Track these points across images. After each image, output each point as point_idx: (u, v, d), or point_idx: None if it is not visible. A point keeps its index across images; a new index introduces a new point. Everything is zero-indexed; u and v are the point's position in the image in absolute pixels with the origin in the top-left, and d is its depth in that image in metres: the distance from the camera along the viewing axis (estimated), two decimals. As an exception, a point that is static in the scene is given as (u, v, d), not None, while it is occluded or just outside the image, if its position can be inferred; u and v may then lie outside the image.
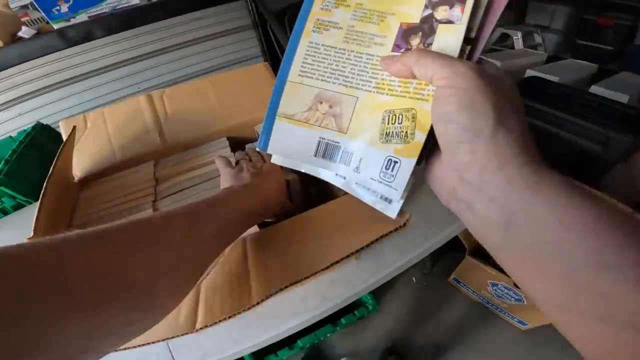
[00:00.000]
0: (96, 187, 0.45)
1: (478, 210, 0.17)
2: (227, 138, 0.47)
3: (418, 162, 0.21)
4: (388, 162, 0.21)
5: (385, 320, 0.91)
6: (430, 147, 0.21)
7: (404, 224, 0.26)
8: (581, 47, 1.84)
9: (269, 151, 0.24)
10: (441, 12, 0.20)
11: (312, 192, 0.44)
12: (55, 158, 0.37)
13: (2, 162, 0.78)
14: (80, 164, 0.45)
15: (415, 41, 0.21)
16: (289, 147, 0.24)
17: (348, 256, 0.24)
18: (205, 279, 0.27)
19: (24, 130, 0.98)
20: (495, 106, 0.16)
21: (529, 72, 1.37)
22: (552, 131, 1.00)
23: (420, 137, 0.20)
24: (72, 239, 0.18)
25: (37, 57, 0.75)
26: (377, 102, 0.22)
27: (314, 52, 0.24)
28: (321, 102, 0.23)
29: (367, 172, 0.22)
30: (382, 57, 0.22)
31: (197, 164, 0.43)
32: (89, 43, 0.85)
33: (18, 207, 0.73)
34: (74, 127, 0.42)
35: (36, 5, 0.72)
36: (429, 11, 0.21)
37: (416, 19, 0.21)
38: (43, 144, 0.95)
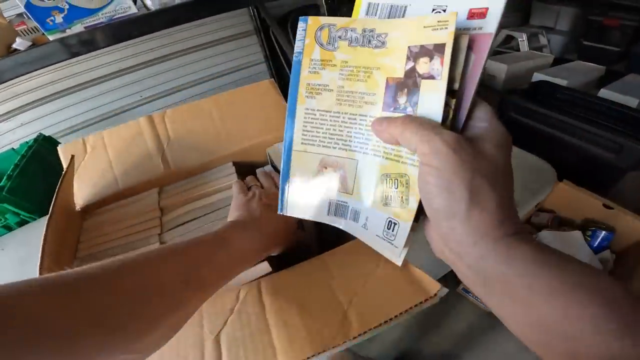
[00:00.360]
0: (99, 216, 0.43)
1: (460, 270, 0.20)
2: (233, 163, 0.46)
3: (416, 220, 0.22)
4: (389, 223, 0.23)
5: (393, 330, 0.89)
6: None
7: (435, 294, 0.24)
8: (587, 49, 1.81)
9: (287, 214, 0.26)
10: (422, 65, 0.21)
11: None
12: (56, 191, 0.35)
13: (5, 177, 0.77)
14: (81, 192, 0.44)
15: (402, 99, 0.22)
16: (304, 209, 0.26)
17: (377, 326, 0.23)
18: (223, 330, 0.26)
19: (26, 143, 0.97)
20: (470, 187, 0.18)
21: (536, 76, 1.34)
22: (563, 138, 0.97)
23: (413, 204, 0.22)
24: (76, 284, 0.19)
25: (35, 70, 0.74)
26: (375, 165, 0.23)
27: (311, 118, 0.25)
28: (326, 168, 0.25)
29: (373, 229, 0.24)
30: (373, 121, 0.22)
31: (203, 192, 0.42)
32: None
33: (22, 223, 0.72)
34: (73, 157, 0.41)
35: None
36: (411, 64, 0.21)
37: (400, 73, 0.22)
38: (45, 157, 0.94)
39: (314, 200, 0.26)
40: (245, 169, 0.46)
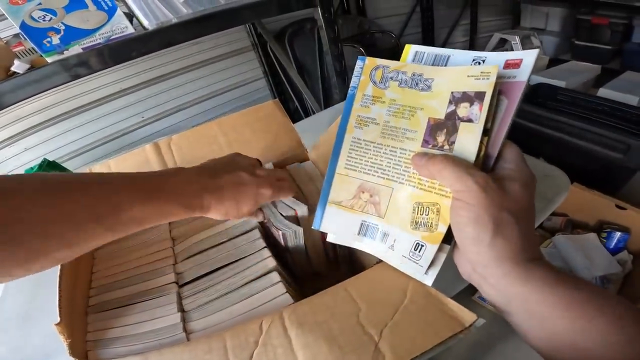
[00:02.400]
0: (110, 246, 0.43)
1: (485, 290, 0.23)
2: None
3: (448, 242, 0.25)
4: (416, 245, 0.26)
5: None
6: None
7: (471, 325, 0.23)
8: (580, 48, 1.83)
9: (321, 229, 0.30)
10: (462, 110, 0.23)
11: (337, 252, 0.43)
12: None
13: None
14: (91, 223, 0.43)
15: (440, 138, 0.25)
16: (338, 226, 0.29)
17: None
18: None
19: (31, 168, 0.97)
20: (495, 221, 0.21)
21: (534, 79, 1.35)
22: (568, 140, 0.95)
23: (442, 229, 0.25)
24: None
25: (36, 94, 0.73)
26: (408, 193, 0.26)
27: (357, 146, 0.28)
28: (363, 192, 0.28)
29: (399, 250, 0.27)
30: (413, 156, 0.25)
31: (211, 221, 0.41)
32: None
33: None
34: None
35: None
36: (452, 107, 0.24)
37: (442, 114, 0.24)
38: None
39: (348, 219, 0.29)
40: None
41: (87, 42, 0.73)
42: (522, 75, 0.23)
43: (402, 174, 0.26)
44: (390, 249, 0.27)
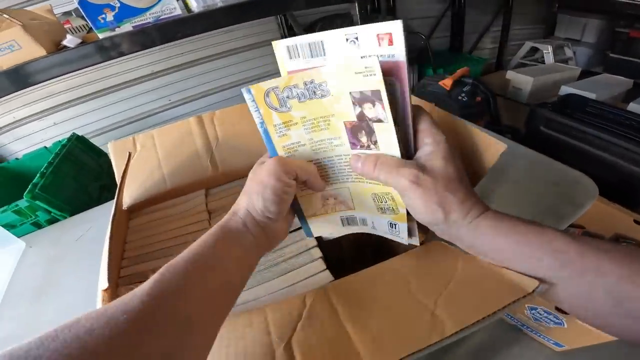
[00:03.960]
0: (146, 215, 0.43)
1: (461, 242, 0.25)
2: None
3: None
4: (390, 225, 0.29)
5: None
6: None
7: (533, 291, 0.22)
8: (613, 61, 1.77)
9: (315, 236, 0.33)
10: (369, 111, 0.23)
11: (367, 253, 0.42)
12: (117, 191, 0.35)
13: (38, 175, 0.78)
14: (129, 191, 0.44)
15: (363, 139, 0.25)
16: (326, 228, 0.32)
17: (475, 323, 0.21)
18: (294, 337, 0.25)
19: (59, 142, 0.99)
20: (440, 204, 0.23)
21: (564, 89, 1.32)
22: (594, 152, 0.94)
23: (403, 211, 0.27)
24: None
25: (78, 69, 0.75)
26: (362, 188, 0.28)
27: None
28: (327, 199, 0.30)
29: (380, 229, 0.30)
30: (350, 159, 0.26)
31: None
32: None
33: (52, 221, 0.72)
34: (130, 154, 0.41)
35: (81, 12, 0.71)
36: (359, 108, 0.24)
37: (353, 117, 0.24)
38: (78, 157, 0.95)
39: (330, 220, 0.31)
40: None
41: (138, 20, 0.75)
42: (400, 54, 0.22)
43: (349, 174, 0.28)
44: (373, 229, 0.31)
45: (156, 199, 0.44)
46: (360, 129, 0.25)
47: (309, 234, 0.33)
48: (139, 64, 1.30)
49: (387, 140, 0.24)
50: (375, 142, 0.25)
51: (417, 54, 1.60)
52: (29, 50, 0.74)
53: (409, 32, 1.55)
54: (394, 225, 0.29)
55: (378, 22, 0.23)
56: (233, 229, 0.25)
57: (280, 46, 0.26)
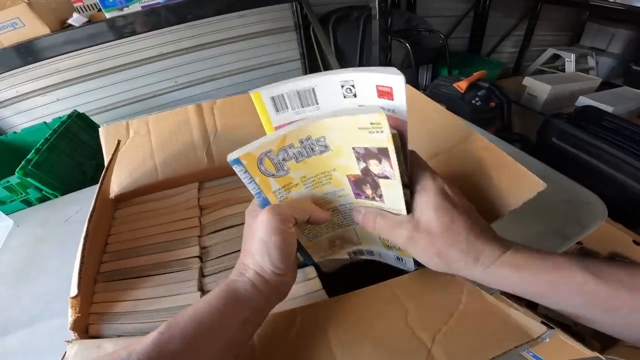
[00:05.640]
0: (133, 207, 0.41)
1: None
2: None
3: None
4: (397, 258, 0.29)
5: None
6: None
7: (539, 337, 0.20)
8: (635, 73, 1.70)
9: (325, 271, 0.32)
10: (374, 167, 0.22)
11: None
12: (100, 181, 0.32)
13: (33, 151, 0.76)
14: (118, 179, 0.41)
15: (368, 191, 0.24)
16: (335, 265, 0.33)
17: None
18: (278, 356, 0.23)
19: (59, 118, 0.97)
20: (440, 256, 0.23)
21: (582, 100, 1.27)
22: (606, 170, 0.91)
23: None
24: None
25: (83, 48, 0.73)
26: (369, 230, 0.27)
27: (304, 226, 0.27)
28: (334, 242, 0.30)
29: (387, 260, 0.30)
30: (354, 215, 0.26)
31: (245, 195, 0.38)
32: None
33: (42, 199, 0.70)
34: (119, 142, 0.38)
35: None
36: (363, 164, 0.22)
37: (357, 171, 0.23)
38: (76, 134, 0.93)
39: (338, 258, 0.31)
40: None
41: (147, 0, 0.72)
42: (400, 111, 0.21)
43: (353, 219, 0.27)
44: (380, 258, 0.31)
45: (146, 190, 0.42)
46: (364, 182, 0.23)
47: (311, 264, 0.32)
48: (148, 45, 1.27)
49: (393, 195, 0.23)
50: (381, 196, 0.24)
51: (433, 53, 1.54)
52: (32, 28, 0.72)
53: (427, 31, 1.49)
54: (401, 259, 0.29)
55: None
56: (241, 291, 0.23)
57: (263, 97, 0.23)
